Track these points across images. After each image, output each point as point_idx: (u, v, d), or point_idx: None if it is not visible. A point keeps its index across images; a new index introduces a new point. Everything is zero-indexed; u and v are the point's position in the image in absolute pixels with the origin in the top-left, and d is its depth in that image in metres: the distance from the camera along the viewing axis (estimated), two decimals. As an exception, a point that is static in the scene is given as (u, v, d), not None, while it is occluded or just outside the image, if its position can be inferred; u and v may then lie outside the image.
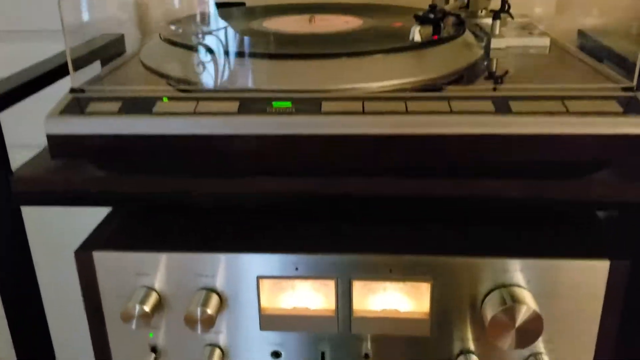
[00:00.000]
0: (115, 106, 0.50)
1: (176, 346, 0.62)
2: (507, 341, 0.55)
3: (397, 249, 0.58)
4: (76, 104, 0.51)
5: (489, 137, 0.49)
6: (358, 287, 0.58)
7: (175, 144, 0.50)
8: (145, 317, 0.58)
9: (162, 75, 0.60)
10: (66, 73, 0.60)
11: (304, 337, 0.61)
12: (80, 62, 0.62)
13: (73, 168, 0.59)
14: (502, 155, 0.50)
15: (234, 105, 0.50)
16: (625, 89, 0.52)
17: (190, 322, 0.57)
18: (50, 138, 0.50)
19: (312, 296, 0.59)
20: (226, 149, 0.51)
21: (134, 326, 0.57)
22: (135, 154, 0.51)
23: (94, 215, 0.66)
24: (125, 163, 0.55)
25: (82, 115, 0.49)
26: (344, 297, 0.58)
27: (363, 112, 0.49)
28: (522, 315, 0.54)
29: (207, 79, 0.57)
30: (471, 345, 0.59)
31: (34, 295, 0.64)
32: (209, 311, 0.57)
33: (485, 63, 0.65)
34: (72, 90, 0.52)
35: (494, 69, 0.64)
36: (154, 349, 0.62)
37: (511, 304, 0.54)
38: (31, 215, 0.63)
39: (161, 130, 0.49)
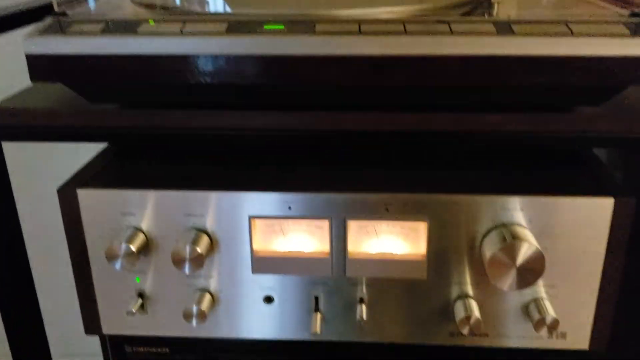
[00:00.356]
0: (98, 27, 0.48)
1: (164, 291, 0.59)
2: (508, 281, 0.53)
3: (394, 188, 0.55)
4: (57, 25, 0.48)
5: (490, 59, 0.47)
6: (353, 228, 0.56)
7: (161, 65, 0.48)
8: (131, 257, 0.55)
9: (150, 7, 0.57)
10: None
11: (298, 281, 0.58)
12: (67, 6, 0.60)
13: (58, 102, 0.58)
14: (504, 79, 0.48)
15: (222, 26, 0.48)
16: (633, 15, 0.50)
17: (177, 261, 0.55)
18: (30, 58, 0.47)
19: (306, 238, 0.57)
20: (215, 73, 0.49)
21: (118, 266, 0.55)
22: (118, 77, 0.49)
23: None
24: (107, 89, 0.53)
25: (63, 35, 0.47)
26: (339, 238, 0.56)
27: (359, 33, 0.47)
28: (523, 253, 0.52)
29: (196, 5, 0.55)
30: (470, 290, 0.57)
31: (17, 238, 0.62)
32: (199, 249, 0.55)
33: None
34: (54, 14, 0.50)
35: (495, 6, 0.61)
36: (140, 295, 0.60)
37: (512, 241, 0.52)
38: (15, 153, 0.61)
39: (146, 50, 0.47)
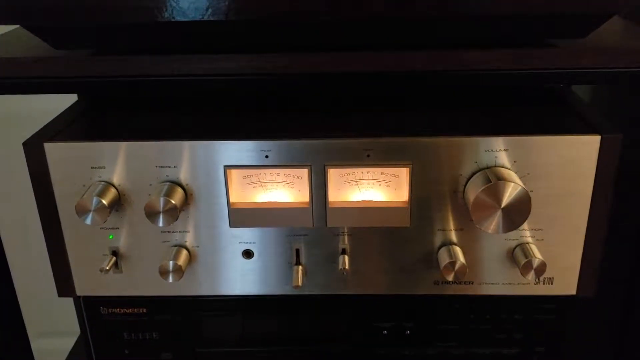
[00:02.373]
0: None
1: (139, 249, 0.57)
2: (493, 223, 0.51)
3: (374, 132, 0.54)
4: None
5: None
6: (334, 175, 0.54)
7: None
8: (102, 211, 0.53)
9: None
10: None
11: (277, 234, 0.57)
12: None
13: (20, 50, 0.55)
14: (489, 8, 0.46)
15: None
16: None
17: (151, 213, 0.53)
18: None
19: (285, 188, 0.55)
20: (187, 10, 0.46)
21: (89, 220, 0.53)
22: (83, 18, 0.46)
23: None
24: (71, 32, 0.50)
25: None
26: (319, 187, 0.54)
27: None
28: (509, 193, 0.50)
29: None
30: (454, 237, 0.56)
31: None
32: (173, 201, 0.52)
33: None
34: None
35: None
36: (114, 253, 0.57)
37: (496, 181, 0.50)
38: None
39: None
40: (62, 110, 0.63)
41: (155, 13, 0.46)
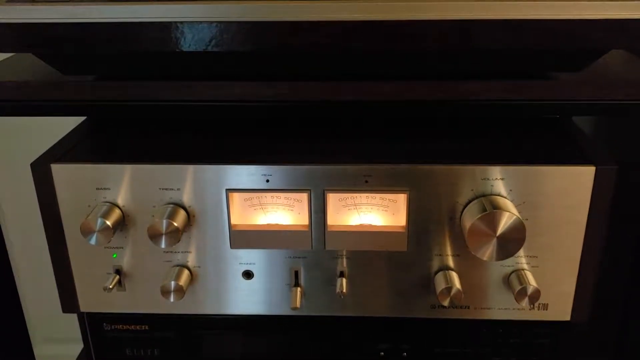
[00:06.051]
0: (66, -6, 0.47)
1: (141, 267, 0.59)
2: (488, 251, 0.52)
3: (373, 159, 0.55)
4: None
5: (470, 23, 0.46)
6: (333, 200, 0.55)
7: (134, 33, 0.47)
8: (106, 231, 0.54)
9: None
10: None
11: (277, 256, 0.58)
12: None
13: (29, 75, 0.56)
14: (484, 44, 0.47)
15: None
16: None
17: (154, 235, 0.54)
18: (-2, 26, 0.46)
19: (285, 211, 0.56)
20: (191, 41, 0.48)
21: (94, 241, 0.54)
22: (90, 47, 0.48)
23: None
24: (79, 59, 0.52)
25: (32, 3, 0.46)
26: (318, 211, 0.55)
27: (334, -1, 0.46)
28: (504, 222, 0.51)
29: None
30: (450, 262, 0.57)
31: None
32: (175, 223, 0.54)
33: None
34: (22, -19, 0.49)
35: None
36: (118, 271, 0.59)
37: (492, 211, 0.51)
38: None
39: (118, 17, 0.46)
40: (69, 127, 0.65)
41: (162, 44, 0.48)
